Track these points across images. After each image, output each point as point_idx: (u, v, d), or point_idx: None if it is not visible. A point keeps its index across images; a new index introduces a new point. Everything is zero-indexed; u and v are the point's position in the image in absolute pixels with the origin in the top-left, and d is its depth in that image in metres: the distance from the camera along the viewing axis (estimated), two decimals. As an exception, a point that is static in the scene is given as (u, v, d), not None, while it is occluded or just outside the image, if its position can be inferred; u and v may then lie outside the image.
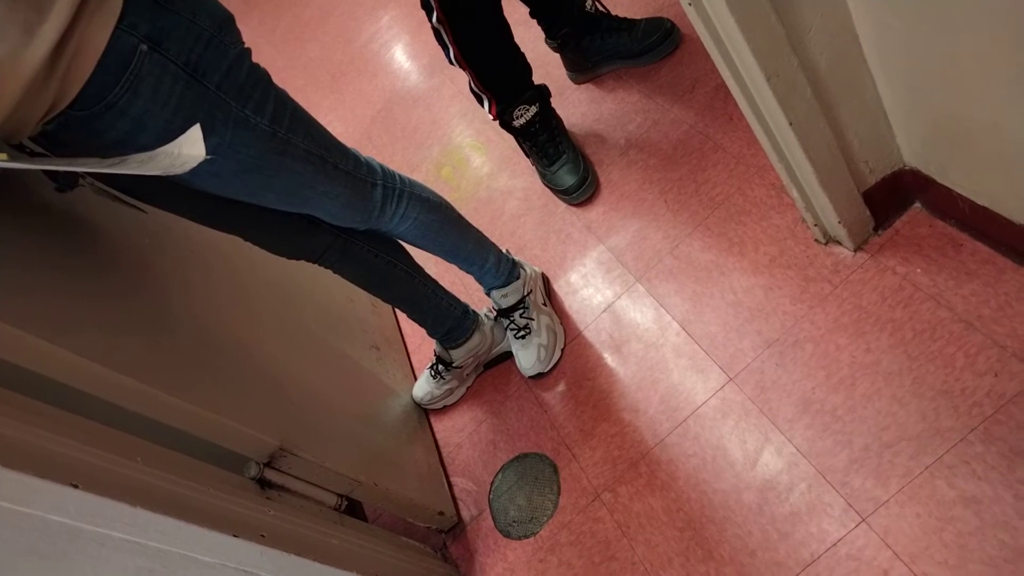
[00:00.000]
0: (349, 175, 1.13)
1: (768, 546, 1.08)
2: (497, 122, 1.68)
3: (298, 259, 1.25)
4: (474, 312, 1.55)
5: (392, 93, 2.60)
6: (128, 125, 0.84)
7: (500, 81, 1.60)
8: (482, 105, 1.65)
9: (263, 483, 1.09)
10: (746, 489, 1.14)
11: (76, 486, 0.81)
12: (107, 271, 1.08)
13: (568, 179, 1.68)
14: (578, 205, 1.70)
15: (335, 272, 1.31)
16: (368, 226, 1.22)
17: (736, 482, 1.16)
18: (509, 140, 1.91)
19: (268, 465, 1.10)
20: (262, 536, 1.00)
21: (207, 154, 0.90)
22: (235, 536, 0.96)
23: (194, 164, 0.91)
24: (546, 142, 1.70)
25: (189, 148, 0.91)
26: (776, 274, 1.29)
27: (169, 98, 0.87)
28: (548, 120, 1.70)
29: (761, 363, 1.23)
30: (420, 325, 1.50)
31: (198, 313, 1.20)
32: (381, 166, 1.21)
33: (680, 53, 1.76)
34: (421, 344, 1.79)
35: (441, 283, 1.49)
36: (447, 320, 1.49)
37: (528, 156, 1.80)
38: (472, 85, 1.61)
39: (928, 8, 0.82)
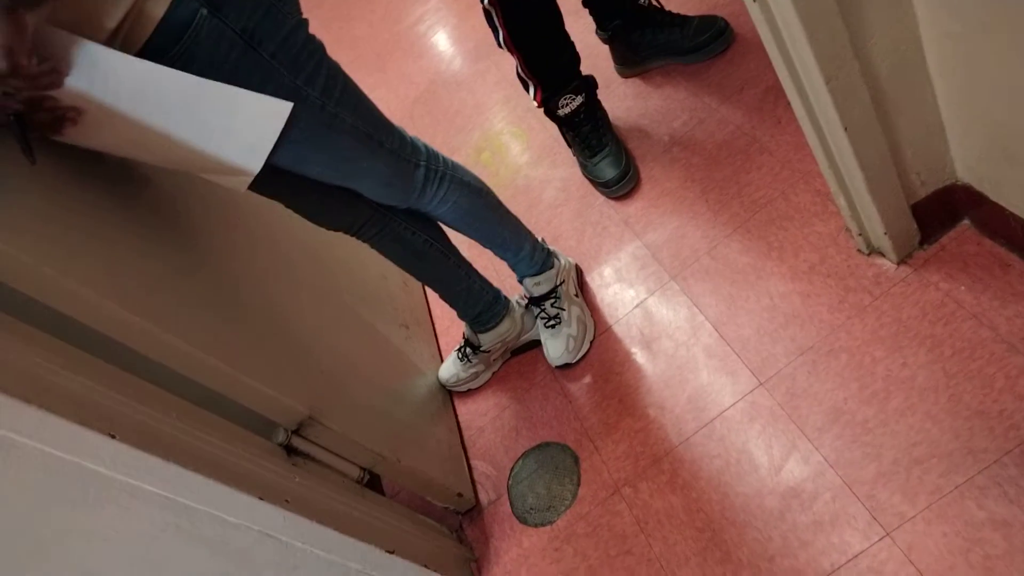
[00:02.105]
0: (393, 154, 1.13)
1: (788, 553, 1.08)
2: (541, 109, 1.68)
3: (335, 230, 1.26)
4: (505, 298, 1.55)
5: (436, 75, 2.60)
6: None
7: (547, 68, 1.60)
8: (527, 91, 1.65)
9: (290, 450, 1.11)
10: (769, 494, 1.13)
11: (114, 436, 0.82)
12: (156, 230, 1.10)
13: (609, 172, 1.67)
14: (617, 199, 1.69)
15: (372, 246, 1.31)
16: (408, 205, 1.23)
17: (759, 487, 1.15)
18: (550, 129, 1.91)
19: (296, 433, 1.12)
20: (286, 501, 1.01)
21: None
22: (260, 499, 0.97)
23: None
24: (589, 133, 1.69)
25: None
26: (815, 281, 1.28)
27: (223, 64, 0.88)
28: (593, 111, 1.69)
29: (793, 369, 1.22)
30: (451, 306, 1.51)
31: (240, 278, 1.22)
32: (426, 147, 1.22)
33: (731, 53, 1.74)
34: (450, 326, 1.80)
35: (475, 267, 1.49)
36: (478, 303, 1.50)
37: (570, 146, 1.79)
38: (519, 70, 1.61)
39: (993, 16, 0.80)
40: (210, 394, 1.01)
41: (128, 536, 0.93)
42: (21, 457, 0.79)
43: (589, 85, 1.69)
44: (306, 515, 1.03)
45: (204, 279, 1.13)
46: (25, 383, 0.77)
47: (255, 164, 0.97)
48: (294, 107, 0.95)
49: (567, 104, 1.64)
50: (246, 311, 1.18)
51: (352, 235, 1.28)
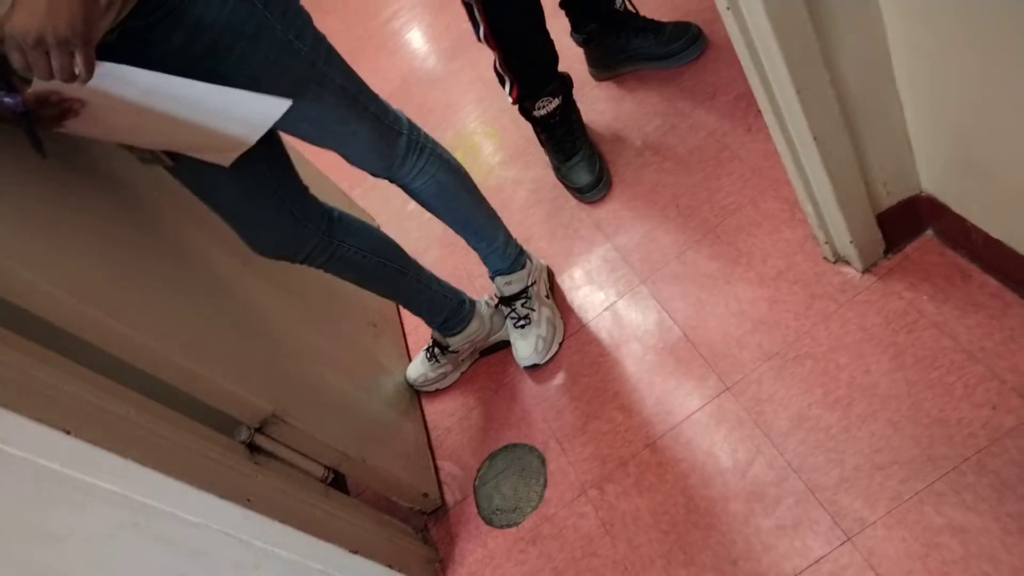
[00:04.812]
0: (378, 119, 1.17)
1: (751, 556, 1.09)
2: (516, 106, 1.67)
3: (280, 258, 1.23)
4: (471, 300, 1.54)
5: (409, 73, 2.58)
6: (182, 36, 0.88)
7: (527, 66, 1.59)
8: (503, 86, 1.64)
9: (253, 448, 1.09)
10: (734, 498, 1.14)
11: (69, 432, 0.80)
12: (116, 224, 1.08)
13: (583, 177, 1.67)
14: (589, 204, 1.69)
15: (325, 271, 1.30)
16: (389, 175, 1.24)
17: (724, 490, 1.16)
18: (524, 130, 1.90)
19: (259, 431, 1.10)
20: (248, 500, 0.99)
21: (256, 69, 0.95)
22: (221, 498, 0.96)
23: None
24: (564, 136, 1.69)
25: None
26: (782, 288, 1.29)
27: (221, 11, 0.90)
28: (568, 114, 1.69)
29: (760, 375, 1.23)
30: (415, 315, 1.50)
31: (205, 273, 1.20)
32: (408, 119, 1.25)
33: (704, 60, 1.76)
34: (418, 326, 1.78)
35: (442, 269, 1.48)
36: (442, 311, 1.50)
37: (543, 147, 1.79)
38: (497, 65, 1.60)
39: (968, 32, 0.81)
40: (170, 390, 0.99)
41: (83, 535, 0.91)
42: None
43: (566, 86, 1.69)
44: (268, 514, 1.01)
45: (165, 273, 1.11)
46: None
47: (250, 141, 1.01)
48: (286, 60, 0.98)
49: (544, 106, 1.64)
50: (210, 307, 1.16)
51: (300, 263, 1.26)
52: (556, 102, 1.64)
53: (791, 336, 1.24)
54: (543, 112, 1.65)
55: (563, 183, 1.76)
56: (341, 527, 1.14)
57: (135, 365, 0.94)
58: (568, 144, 1.69)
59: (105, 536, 0.92)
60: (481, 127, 2.13)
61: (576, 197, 1.72)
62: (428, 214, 1.36)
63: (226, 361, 1.10)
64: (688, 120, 1.67)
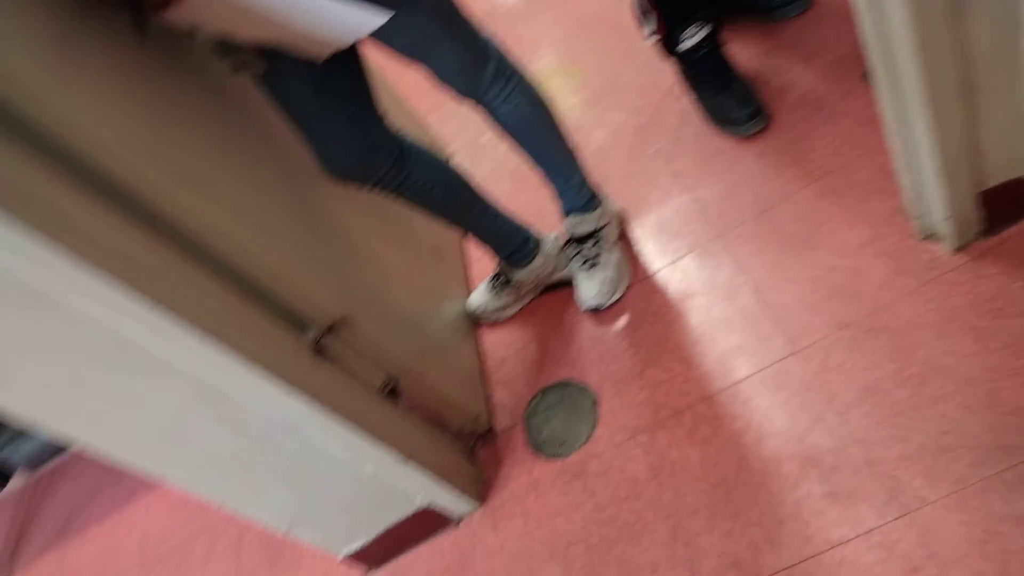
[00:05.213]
0: (470, 39, 1.18)
1: (799, 519, 1.08)
2: (660, 43, 1.59)
3: (350, 180, 1.23)
4: (536, 237, 1.53)
5: (494, 6, 2.54)
6: None
7: None
8: (643, 26, 1.57)
9: (319, 349, 1.11)
10: (788, 460, 1.13)
11: (158, 306, 0.82)
12: (209, 116, 1.09)
13: (742, 108, 1.55)
14: (743, 138, 1.57)
15: (393, 198, 1.30)
16: (476, 96, 1.24)
17: (779, 452, 1.15)
18: (609, 73, 1.87)
19: (328, 333, 1.12)
20: (312, 397, 1.01)
21: None
22: (289, 391, 0.98)
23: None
24: (717, 66, 1.58)
25: None
26: (865, 259, 1.26)
27: None
28: (719, 44, 1.58)
29: (830, 343, 1.20)
30: (482, 246, 1.50)
31: (288, 178, 1.21)
32: (498, 46, 1.25)
33: (807, 17, 1.68)
34: (480, 258, 1.79)
35: (512, 204, 1.47)
36: (509, 245, 1.50)
37: (690, 86, 1.67)
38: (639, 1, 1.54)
39: None
40: (252, 283, 1.00)
41: (159, 406, 0.95)
42: (65, 315, 0.80)
43: (715, 12, 1.56)
44: (328, 413, 1.04)
45: (254, 174, 1.13)
46: (82, 239, 0.76)
47: (345, 44, 1.04)
48: None
49: (693, 35, 1.53)
50: (293, 212, 1.18)
51: (369, 189, 1.26)
52: (706, 30, 1.54)
53: (869, 308, 1.20)
54: (692, 42, 1.54)
55: (715, 120, 1.62)
56: (396, 434, 1.17)
57: (225, 253, 0.96)
58: (722, 75, 1.58)
59: (178, 411, 0.96)
60: (565, 65, 2.09)
61: (730, 132, 1.59)
62: (503, 147, 1.36)
63: (305, 262, 1.12)
64: (784, 78, 1.61)
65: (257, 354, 0.93)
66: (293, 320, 1.06)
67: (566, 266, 1.56)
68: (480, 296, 1.60)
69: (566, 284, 1.57)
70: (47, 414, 0.89)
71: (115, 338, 0.83)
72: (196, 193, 0.96)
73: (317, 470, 1.13)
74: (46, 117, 0.77)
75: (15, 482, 1.62)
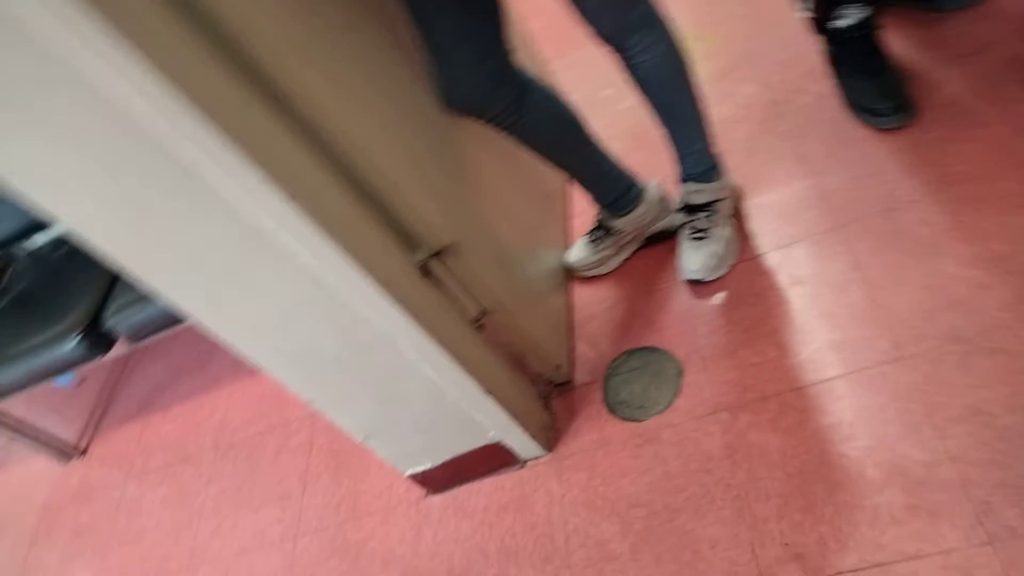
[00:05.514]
0: None
1: (875, 525, 1.05)
2: (814, 23, 1.53)
3: (468, 111, 1.23)
4: (640, 185, 1.51)
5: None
6: None
7: None
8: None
9: (426, 270, 1.13)
10: (874, 466, 1.10)
11: (293, 198, 0.85)
12: (354, 27, 1.10)
13: (889, 99, 1.47)
14: (885, 131, 1.49)
15: (507, 135, 1.29)
16: (618, 40, 1.23)
17: (865, 455, 1.12)
18: (745, 42, 1.80)
19: (435, 256, 1.13)
20: (413, 314, 1.04)
21: None
22: (395, 303, 1.00)
23: None
24: (871, 51, 1.50)
25: None
26: (995, 274, 1.19)
27: None
28: (875, 27, 1.50)
29: (941, 354, 1.15)
30: (586, 191, 1.49)
31: (419, 102, 1.22)
32: None
33: (976, 12, 1.57)
34: (583, 212, 1.77)
35: (624, 163, 1.45)
36: (613, 191, 1.48)
37: (835, 66, 1.59)
38: None
39: None
40: (374, 195, 1.02)
41: (275, 297, 0.99)
42: (209, 195, 0.83)
43: None
44: (425, 333, 1.06)
45: (389, 92, 1.14)
46: (235, 123, 0.79)
47: None
48: None
49: (850, 14, 1.46)
50: (420, 133, 1.19)
51: (485, 122, 1.26)
52: (867, 12, 1.46)
53: (989, 325, 1.14)
54: (848, 22, 1.47)
55: (855, 108, 1.54)
56: (482, 367, 1.18)
57: (358, 164, 0.98)
58: (873, 61, 1.50)
59: (291, 305, 1.00)
60: (699, 29, 2.02)
61: (870, 123, 1.51)
62: (622, 104, 1.33)
63: (426, 186, 1.13)
64: (937, 72, 1.51)
65: (372, 263, 0.95)
66: (407, 239, 1.08)
67: (667, 216, 1.54)
68: (579, 250, 1.59)
69: (668, 236, 1.55)
70: (175, 286, 0.94)
71: (250, 224, 0.87)
72: (345, 101, 0.98)
73: (404, 387, 1.16)
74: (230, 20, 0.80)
75: (116, 350, 1.73)
